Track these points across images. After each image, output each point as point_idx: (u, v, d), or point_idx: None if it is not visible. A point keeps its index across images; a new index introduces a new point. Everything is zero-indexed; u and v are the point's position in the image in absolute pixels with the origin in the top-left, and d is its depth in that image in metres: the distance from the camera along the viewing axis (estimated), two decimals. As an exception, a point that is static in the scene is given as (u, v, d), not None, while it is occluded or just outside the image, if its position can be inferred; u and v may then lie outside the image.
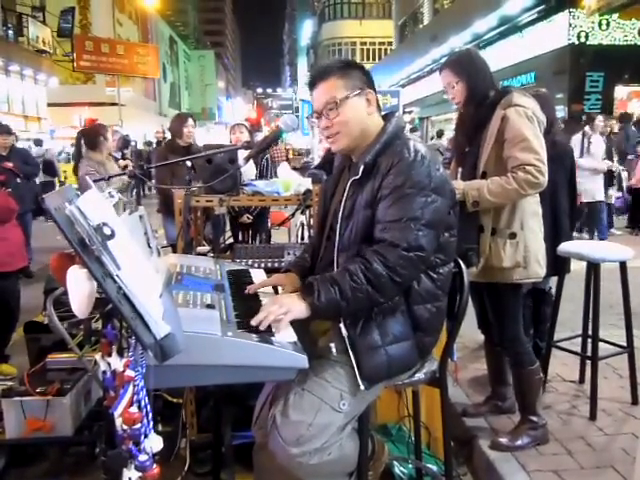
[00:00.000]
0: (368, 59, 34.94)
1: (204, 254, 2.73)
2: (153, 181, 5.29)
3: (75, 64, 22.91)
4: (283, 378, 1.56)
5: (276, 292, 1.91)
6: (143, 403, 1.24)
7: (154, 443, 1.24)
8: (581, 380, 3.22)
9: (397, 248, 1.57)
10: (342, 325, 1.63)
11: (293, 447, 1.57)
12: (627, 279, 2.93)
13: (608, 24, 11.36)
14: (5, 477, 2.56)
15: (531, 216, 2.42)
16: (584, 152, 7.16)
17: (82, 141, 4.78)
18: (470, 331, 2.92)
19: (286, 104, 51.07)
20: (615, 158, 8.31)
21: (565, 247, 2.95)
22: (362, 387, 1.61)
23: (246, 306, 1.67)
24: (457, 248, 1.79)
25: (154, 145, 17.40)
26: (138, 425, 1.21)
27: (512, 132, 2.29)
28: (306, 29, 50.59)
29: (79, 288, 1.26)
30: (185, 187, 2.56)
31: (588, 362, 2.99)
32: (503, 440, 2.53)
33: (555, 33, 11.88)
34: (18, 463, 2.63)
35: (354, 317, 1.63)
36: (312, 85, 1.78)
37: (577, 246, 2.98)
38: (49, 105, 21.25)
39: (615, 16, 11.17)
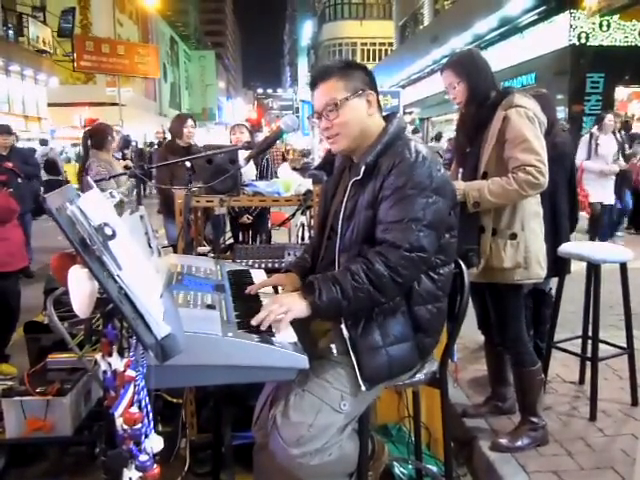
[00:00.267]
0: (368, 60, 34.92)
1: (204, 254, 2.73)
2: (154, 181, 5.29)
3: (75, 64, 22.93)
4: (283, 378, 1.56)
5: (276, 292, 1.91)
6: (144, 403, 1.24)
7: (154, 443, 1.24)
8: (581, 381, 3.22)
9: (399, 249, 1.57)
10: (343, 326, 1.63)
11: (293, 448, 1.57)
12: (627, 280, 2.93)
13: (609, 25, 11.35)
14: (5, 477, 2.56)
15: (532, 217, 2.42)
16: (592, 154, 6.84)
17: (89, 141, 4.74)
18: (470, 332, 2.92)
19: (286, 104, 51.20)
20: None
21: (565, 248, 2.95)
22: (363, 388, 1.62)
23: (246, 306, 1.67)
24: (457, 249, 1.79)
25: (155, 145, 17.43)
26: (139, 425, 1.21)
27: (513, 133, 2.30)
28: (306, 29, 50.60)
29: (80, 288, 1.26)
30: (185, 187, 2.55)
31: (588, 363, 2.99)
32: (503, 441, 2.53)
33: (556, 34, 11.88)
34: (18, 463, 2.63)
35: (355, 318, 1.63)
36: (313, 86, 1.78)
37: (577, 247, 2.98)
38: (49, 105, 21.25)
39: (616, 17, 11.16)
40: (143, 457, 1.21)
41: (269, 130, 28.32)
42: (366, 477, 1.78)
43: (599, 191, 6.80)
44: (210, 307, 1.55)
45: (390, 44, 32.59)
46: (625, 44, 11.46)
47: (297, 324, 1.57)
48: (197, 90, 54.47)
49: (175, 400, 2.81)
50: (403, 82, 23.76)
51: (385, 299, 1.60)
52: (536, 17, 12.64)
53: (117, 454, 1.22)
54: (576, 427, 2.74)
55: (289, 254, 2.55)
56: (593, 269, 2.90)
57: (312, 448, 1.57)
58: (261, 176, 4.70)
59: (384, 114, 1.81)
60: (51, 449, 2.72)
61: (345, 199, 1.76)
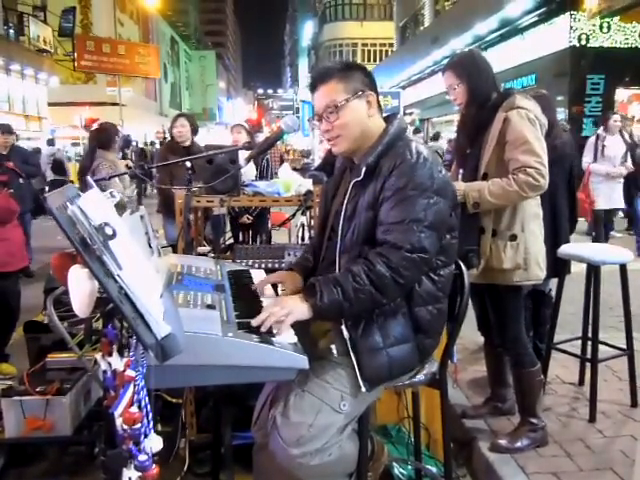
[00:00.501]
0: (369, 60, 34.93)
1: (204, 254, 2.73)
2: (154, 181, 5.30)
3: (76, 64, 22.93)
4: (283, 378, 1.56)
5: (276, 291, 1.92)
6: (143, 403, 1.24)
7: (154, 443, 1.24)
8: (581, 382, 3.22)
9: (400, 250, 1.57)
10: (343, 327, 1.63)
11: (293, 448, 1.57)
12: (627, 281, 2.93)
13: (609, 27, 11.35)
14: (4, 476, 2.56)
15: (532, 218, 2.42)
16: (598, 155, 6.59)
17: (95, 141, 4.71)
18: (470, 333, 2.92)
19: (287, 105, 51.17)
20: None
21: (565, 249, 2.95)
22: (363, 389, 1.62)
23: (246, 306, 1.67)
24: (458, 250, 1.79)
25: (157, 145, 17.43)
26: (138, 425, 1.21)
27: (514, 134, 2.30)
28: (307, 30, 50.62)
29: (80, 287, 1.26)
30: (186, 187, 2.55)
31: (588, 364, 2.99)
32: (502, 442, 2.53)
33: (556, 35, 11.88)
34: (17, 462, 2.63)
35: (355, 319, 1.63)
36: (313, 88, 1.78)
37: (577, 248, 2.98)
38: (50, 105, 21.25)
39: (616, 19, 11.16)
40: (142, 457, 1.21)
41: (269, 130, 28.34)
42: (365, 477, 1.78)
43: (607, 195, 6.54)
44: (210, 307, 1.55)
45: (390, 45, 32.59)
46: (625, 46, 11.46)
47: (297, 324, 1.57)
48: (197, 90, 54.51)
49: (175, 400, 2.81)
50: (403, 83, 23.77)
51: (386, 300, 1.60)
52: (536, 18, 12.64)
53: (116, 454, 1.22)
54: (575, 428, 2.74)
55: (289, 254, 2.55)
56: (593, 270, 2.90)
57: (312, 448, 1.58)
58: (261, 176, 4.71)
59: (385, 115, 1.82)
60: (50, 449, 2.73)
61: (346, 200, 1.76)
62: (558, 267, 2.99)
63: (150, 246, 1.81)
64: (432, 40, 18.25)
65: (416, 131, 14.17)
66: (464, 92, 2.43)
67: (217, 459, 2.18)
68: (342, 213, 1.75)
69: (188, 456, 2.54)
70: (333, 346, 1.67)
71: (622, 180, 6.68)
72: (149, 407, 1.25)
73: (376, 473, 1.95)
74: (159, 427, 2.61)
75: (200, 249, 2.91)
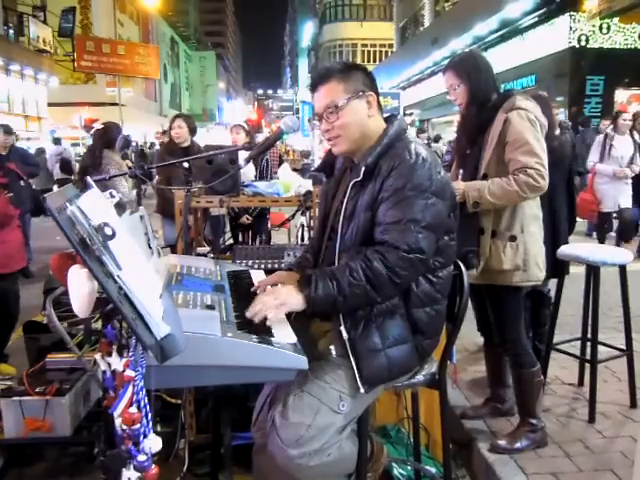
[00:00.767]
0: (369, 61, 34.93)
1: (204, 255, 2.73)
2: (154, 181, 5.30)
3: (76, 64, 22.90)
4: (282, 379, 1.56)
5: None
6: (143, 403, 1.24)
7: (153, 443, 1.24)
8: (580, 383, 3.22)
9: (397, 250, 1.57)
10: (342, 328, 1.63)
11: (292, 448, 1.57)
12: (627, 282, 2.93)
13: (609, 28, 11.38)
14: (4, 477, 2.56)
15: (531, 219, 2.42)
16: (605, 155, 6.28)
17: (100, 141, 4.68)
18: (469, 333, 2.92)
19: (287, 105, 51.15)
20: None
21: (565, 250, 2.95)
22: (362, 389, 1.62)
23: (246, 307, 1.67)
24: (457, 250, 1.79)
25: (157, 147, 17.44)
26: (137, 425, 1.21)
27: (514, 135, 2.30)
28: (307, 31, 50.66)
29: (80, 288, 1.26)
30: (186, 188, 2.56)
31: (587, 365, 2.99)
32: (502, 442, 2.53)
33: (556, 36, 11.91)
34: (17, 463, 2.63)
35: (354, 319, 1.63)
36: (313, 88, 1.79)
37: (577, 249, 2.98)
38: (49, 105, 21.24)
39: (616, 20, 11.19)
40: (142, 457, 1.21)
41: (269, 131, 28.33)
42: (365, 478, 1.78)
43: (613, 196, 6.26)
44: (209, 307, 1.55)
45: (390, 45, 32.62)
46: (625, 47, 11.49)
47: (297, 325, 1.57)
48: (197, 91, 54.52)
49: (174, 400, 2.81)
50: (403, 84, 23.79)
51: (381, 298, 1.60)
52: (536, 19, 12.67)
53: (116, 454, 1.22)
54: (575, 429, 2.74)
55: (289, 255, 2.55)
56: (592, 271, 2.90)
57: (311, 449, 1.57)
58: (261, 177, 4.71)
59: (385, 115, 1.82)
60: (50, 449, 2.72)
61: (345, 200, 1.76)
62: (557, 268, 2.99)
63: (150, 246, 1.82)
64: (432, 41, 18.28)
65: (421, 131, 14.21)
66: (464, 92, 2.43)
67: (216, 459, 2.18)
68: (342, 213, 1.75)
69: (187, 456, 2.53)
70: (332, 347, 1.68)
71: (629, 181, 6.39)
72: (148, 407, 1.25)
73: (375, 474, 1.95)
74: (158, 427, 2.62)
75: (200, 249, 2.91)
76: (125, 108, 23.96)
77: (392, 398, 2.43)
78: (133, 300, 1.19)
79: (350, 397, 1.64)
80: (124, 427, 1.20)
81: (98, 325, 1.75)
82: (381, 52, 36.34)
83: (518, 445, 2.51)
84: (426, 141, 12.40)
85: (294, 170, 3.33)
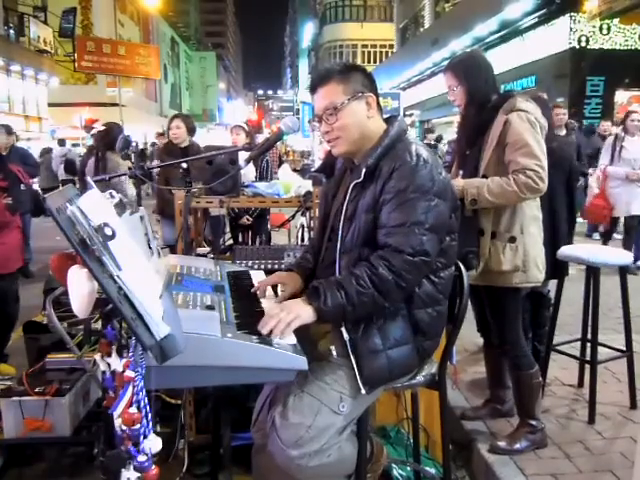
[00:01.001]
0: (369, 62, 34.96)
1: (204, 255, 2.73)
2: (153, 182, 5.30)
3: (76, 64, 22.93)
4: (282, 380, 1.56)
5: (275, 292, 1.91)
6: (142, 404, 1.24)
7: (153, 444, 1.24)
8: (580, 384, 3.22)
9: (402, 253, 1.57)
10: (343, 329, 1.63)
11: (292, 449, 1.57)
12: (627, 283, 2.93)
13: (609, 28, 11.38)
14: (3, 477, 2.55)
15: (531, 221, 2.42)
16: (615, 157, 5.97)
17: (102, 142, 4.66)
18: (469, 334, 2.92)
19: (287, 106, 51.18)
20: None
21: (565, 251, 2.95)
22: (362, 390, 1.61)
23: (246, 307, 1.68)
24: (457, 251, 1.79)
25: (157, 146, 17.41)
26: (137, 426, 1.21)
27: (514, 137, 2.30)
28: (307, 31, 50.66)
29: (80, 288, 1.26)
30: (186, 188, 2.56)
31: (587, 366, 2.99)
32: (502, 443, 2.53)
33: (556, 37, 11.91)
34: (16, 463, 2.63)
35: (355, 321, 1.63)
36: (313, 89, 1.79)
37: (577, 250, 2.98)
38: (50, 105, 21.26)
39: (616, 21, 11.19)
40: (141, 458, 1.21)
41: (269, 131, 28.33)
42: (364, 479, 1.78)
43: (626, 201, 5.94)
44: (209, 308, 1.55)
45: (391, 46, 32.64)
46: (625, 47, 11.49)
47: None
48: (197, 91, 54.54)
49: (174, 401, 2.81)
50: (403, 84, 23.80)
51: (389, 303, 1.60)
52: (536, 20, 12.67)
53: (115, 454, 1.22)
54: (575, 430, 2.74)
55: (289, 255, 2.56)
56: (592, 272, 2.90)
57: (311, 449, 1.57)
58: (261, 177, 4.71)
59: (385, 116, 1.82)
60: (49, 449, 2.72)
61: (346, 201, 1.76)
62: (557, 269, 2.99)
63: (150, 247, 1.82)
64: (432, 42, 18.28)
65: (428, 131, 14.18)
66: (463, 93, 2.43)
67: (216, 460, 2.18)
68: (342, 214, 1.75)
69: (187, 457, 2.53)
70: (332, 347, 1.67)
71: None
72: (148, 408, 1.25)
73: (375, 474, 1.95)
74: (158, 428, 2.61)
75: (199, 250, 2.91)
76: (125, 108, 23.97)
77: (392, 399, 2.43)
78: (133, 300, 1.19)
79: (350, 398, 1.64)
80: (124, 427, 1.20)
81: (98, 325, 1.75)
82: (381, 53, 36.37)
83: (518, 446, 2.51)
84: (434, 142, 12.35)
85: (294, 171, 3.33)
